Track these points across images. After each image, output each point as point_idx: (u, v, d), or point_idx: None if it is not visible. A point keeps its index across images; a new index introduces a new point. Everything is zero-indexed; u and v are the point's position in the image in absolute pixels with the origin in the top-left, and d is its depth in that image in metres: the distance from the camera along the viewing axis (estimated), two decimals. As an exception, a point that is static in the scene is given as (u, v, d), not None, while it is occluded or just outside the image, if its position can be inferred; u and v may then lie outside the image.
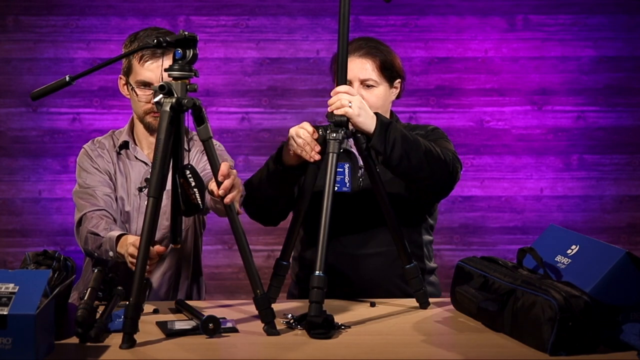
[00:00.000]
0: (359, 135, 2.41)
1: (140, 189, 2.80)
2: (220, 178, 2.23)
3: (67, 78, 2.22)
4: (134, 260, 2.39)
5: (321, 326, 2.20)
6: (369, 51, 2.69)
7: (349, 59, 2.53)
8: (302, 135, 2.42)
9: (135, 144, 2.85)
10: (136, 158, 2.83)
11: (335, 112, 2.38)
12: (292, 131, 2.45)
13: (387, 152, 2.42)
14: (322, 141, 2.39)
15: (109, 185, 2.81)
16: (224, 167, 2.23)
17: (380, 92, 2.68)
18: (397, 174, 2.52)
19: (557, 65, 4.05)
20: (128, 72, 2.77)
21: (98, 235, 2.64)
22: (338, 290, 2.64)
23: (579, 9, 4.04)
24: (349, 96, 2.39)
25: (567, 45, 4.05)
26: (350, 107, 2.38)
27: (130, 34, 2.81)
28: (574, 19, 4.05)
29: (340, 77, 2.41)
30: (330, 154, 2.33)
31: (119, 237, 2.58)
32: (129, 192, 2.81)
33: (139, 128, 2.84)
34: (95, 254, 2.65)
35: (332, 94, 2.43)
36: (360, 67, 2.66)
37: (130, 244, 2.49)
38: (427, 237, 2.79)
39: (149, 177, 2.79)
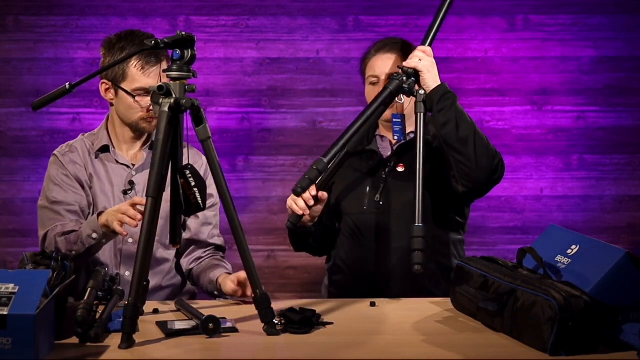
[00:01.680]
0: (420, 92, 2.62)
1: (125, 192, 2.80)
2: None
3: (67, 86, 2.23)
4: (128, 213, 2.48)
5: (298, 322, 2.23)
6: (394, 47, 2.85)
7: (374, 57, 2.83)
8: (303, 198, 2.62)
9: (114, 147, 2.85)
10: (117, 162, 2.83)
11: (406, 64, 2.63)
12: (289, 201, 2.66)
13: (438, 107, 2.61)
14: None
15: (78, 194, 2.79)
16: (241, 275, 2.55)
17: None
18: (443, 138, 2.64)
19: (557, 65, 4.05)
20: (121, 78, 2.75)
21: (72, 231, 2.65)
22: (361, 286, 2.76)
23: (579, 9, 4.04)
24: (423, 55, 2.64)
25: (567, 45, 4.05)
26: (420, 61, 2.62)
27: (107, 38, 2.81)
28: (574, 19, 4.04)
29: (431, 39, 2.70)
30: (386, 89, 2.60)
31: (99, 215, 2.62)
32: (114, 197, 2.80)
33: (123, 131, 2.83)
34: (72, 253, 2.62)
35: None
36: (386, 63, 2.81)
37: (114, 211, 2.54)
38: (454, 236, 2.83)
39: (132, 179, 2.80)
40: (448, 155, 2.67)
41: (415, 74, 2.61)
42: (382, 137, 2.89)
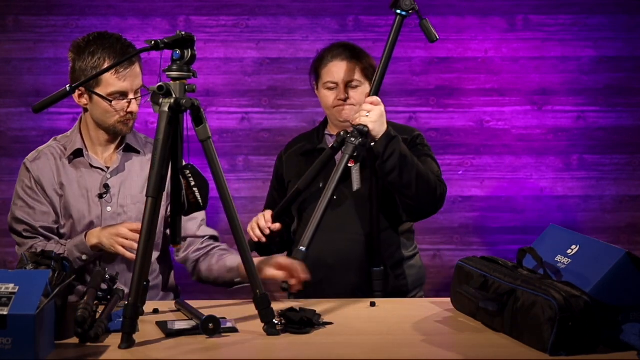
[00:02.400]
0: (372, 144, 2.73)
1: (100, 196, 2.78)
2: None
3: (68, 88, 2.24)
4: (127, 237, 2.54)
5: (298, 322, 2.25)
6: (352, 55, 2.98)
7: (332, 63, 2.96)
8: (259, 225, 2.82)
9: (87, 150, 2.83)
10: (91, 166, 2.81)
11: (356, 121, 2.71)
12: (248, 228, 2.84)
13: (383, 157, 2.73)
14: (341, 141, 2.72)
15: (44, 207, 2.79)
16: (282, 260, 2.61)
17: (365, 90, 2.94)
18: (388, 182, 2.79)
19: (557, 65, 4.05)
20: (94, 84, 2.72)
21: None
22: (319, 276, 2.81)
23: (579, 9, 4.04)
24: (372, 106, 2.72)
25: (567, 45, 4.05)
26: (367, 117, 2.70)
27: (74, 42, 2.78)
28: (574, 19, 4.04)
29: (375, 89, 2.76)
30: (344, 155, 2.66)
31: (85, 235, 2.66)
32: (88, 201, 2.79)
33: (98, 134, 2.82)
34: None
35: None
36: (345, 69, 2.95)
37: (110, 234, 2.58)
38: (403, 227, 2.98)
39: (107, 183, 2.79)
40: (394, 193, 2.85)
41: (366, 127, 2.70)
42: (331, 135, 3.01)
